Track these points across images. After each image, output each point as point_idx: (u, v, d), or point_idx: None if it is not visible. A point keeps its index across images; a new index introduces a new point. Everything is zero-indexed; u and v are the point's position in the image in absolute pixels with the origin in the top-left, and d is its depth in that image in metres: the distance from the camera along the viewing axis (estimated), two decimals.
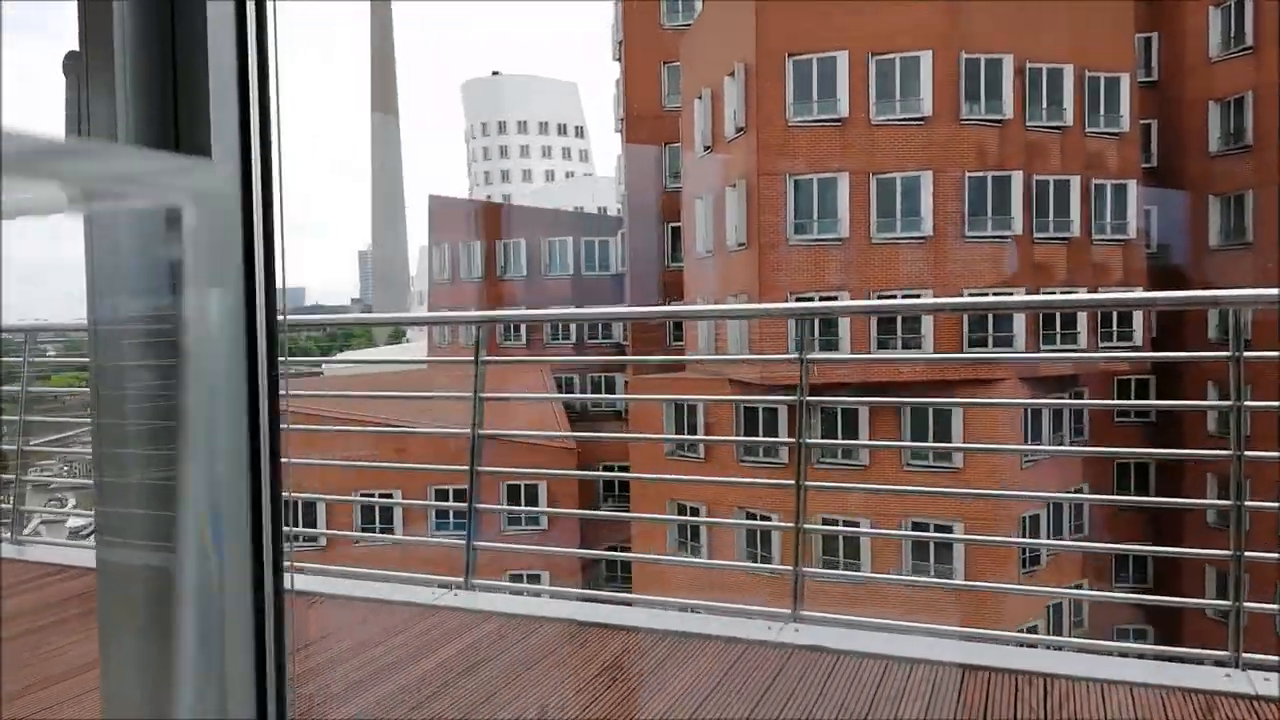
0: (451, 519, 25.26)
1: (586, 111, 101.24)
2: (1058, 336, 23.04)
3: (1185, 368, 26.30)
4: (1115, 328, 24.08)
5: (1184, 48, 27.73)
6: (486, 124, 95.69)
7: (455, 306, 39.76)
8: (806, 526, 2.98)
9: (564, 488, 27.32)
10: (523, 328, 38.22)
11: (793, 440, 3.04)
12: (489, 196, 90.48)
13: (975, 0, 22.00)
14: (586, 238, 38.06)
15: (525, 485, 26.61)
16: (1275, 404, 2.78)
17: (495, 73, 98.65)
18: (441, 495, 25.25)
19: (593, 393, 37.06)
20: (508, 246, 38.39)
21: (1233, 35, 26.50)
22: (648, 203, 32.52)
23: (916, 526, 21.55)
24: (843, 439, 22.79)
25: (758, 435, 22.85)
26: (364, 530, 24.17)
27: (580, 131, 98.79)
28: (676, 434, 24.75)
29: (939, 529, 21.03)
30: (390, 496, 23.45)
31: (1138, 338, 24.31)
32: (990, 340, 22.46)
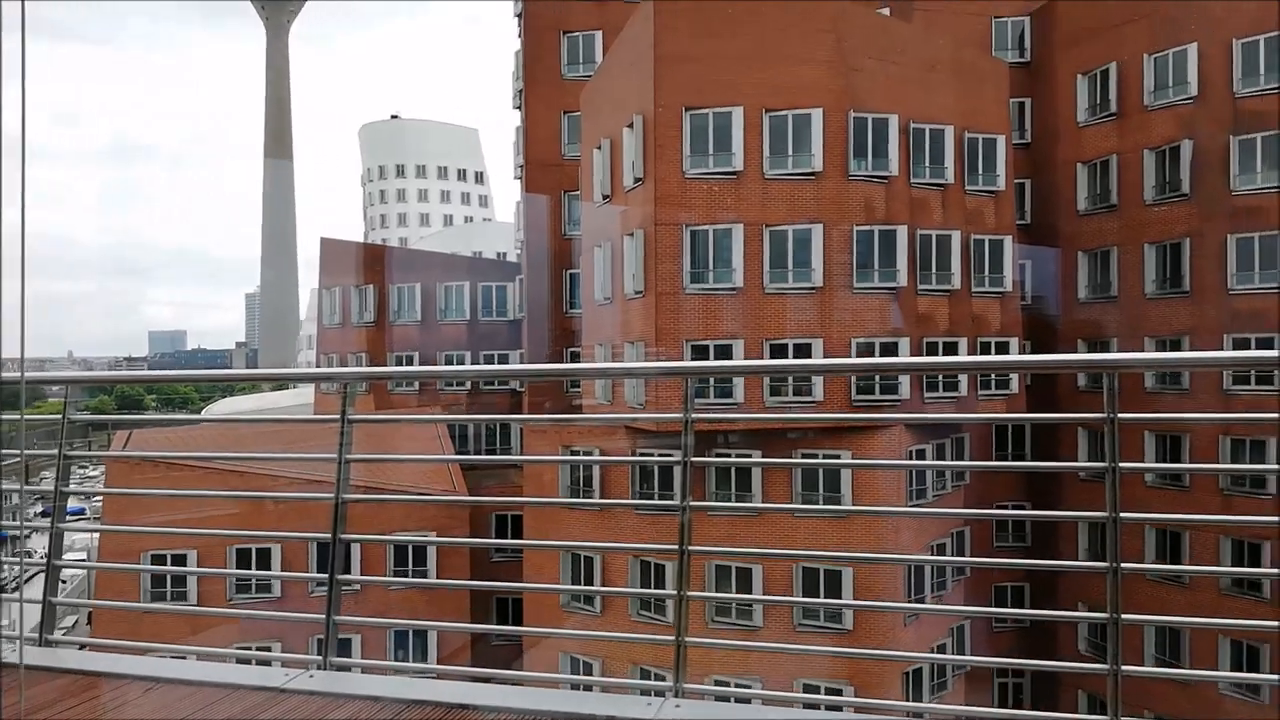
0: (253, 586, 24.07)
1: (488, 157, 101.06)
2: (940, 384, 23.83)
3: (1058, 410, 27.59)
4: (994, 376, 25.12)
5: (1055, 113, 29.58)
6: (384, 167, 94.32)
7: (345, 351, 38.61)
8: (690, 594, 2.84)
9: (454, 537, 26.56)
10: None
11: (676, 505, 2.91)
12: (385, 240, 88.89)
13: (863, 62, 22.94)
14: (484, 283, 37.64)
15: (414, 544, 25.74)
16: (1147, 465, 2.81)
17: (394, 116, 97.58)
18: (242, 555, 23.95)
19: (487, 440, 36.41)
20: (402, 291, 37.60)
21: (1098, 103, 28.42)
22: (546, 249, 32.44)
23: (807, 573, 21.78)
24: (735, 487, 22.94)
25: (653, 485, 22.78)
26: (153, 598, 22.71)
27: (480, 177, 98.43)
28: (570, 485, 24.45)
29: (829, 575, 21.29)
30: (184, 559, 22.34)
31: (1014, 385, 25.39)
32: (877, 388, 23.05)
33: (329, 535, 2.97)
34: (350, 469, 3.01)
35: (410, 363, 37.51)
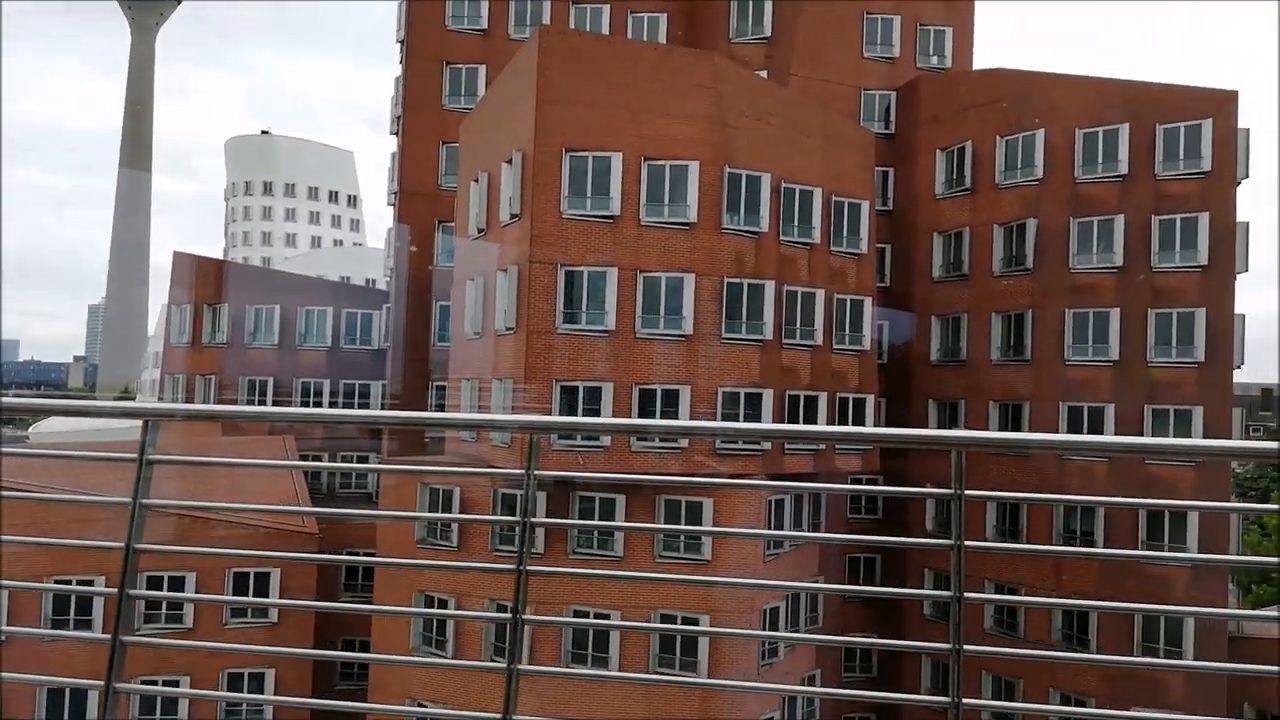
0: (72, 613, 22.24)
1: (362, 181, 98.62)
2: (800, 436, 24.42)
3: (909, 466, 28.79)
4: (851, 427, 25.95)
5: (915, 184, 31.25)
6: (251, 183, 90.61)
7: (192, 372, 36.44)
8: (526, 618, 2.66)
9: (300, 578, 25.22)
10: (268, 399, 35.64)
11: (510, 568, 2.72)
12: (246, 258, 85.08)
13: (740, 121, 23.62)
14: (349, 309, 36.41)
15: (255, 572, 24.32)
16: (990, 544, 2.83)
17: (265, 131, 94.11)
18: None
19: (340, 479, 34.95)
20: (260, 312, 35.93)
21: (954, 177, 30.22)
22: (417, 279, 31.71)
23: (665, 618, 21.71)
24: (598, 532, 22.75)
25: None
26: None
27: (353, 200, 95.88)
28: (427, 526, 23.68)
29: (687, 622, 21.28)
30: None
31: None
32: (740, 438, 23.41)
33: (116, 591, 2.61)
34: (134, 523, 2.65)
35: (263, 386, 35.74)
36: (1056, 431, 27.28)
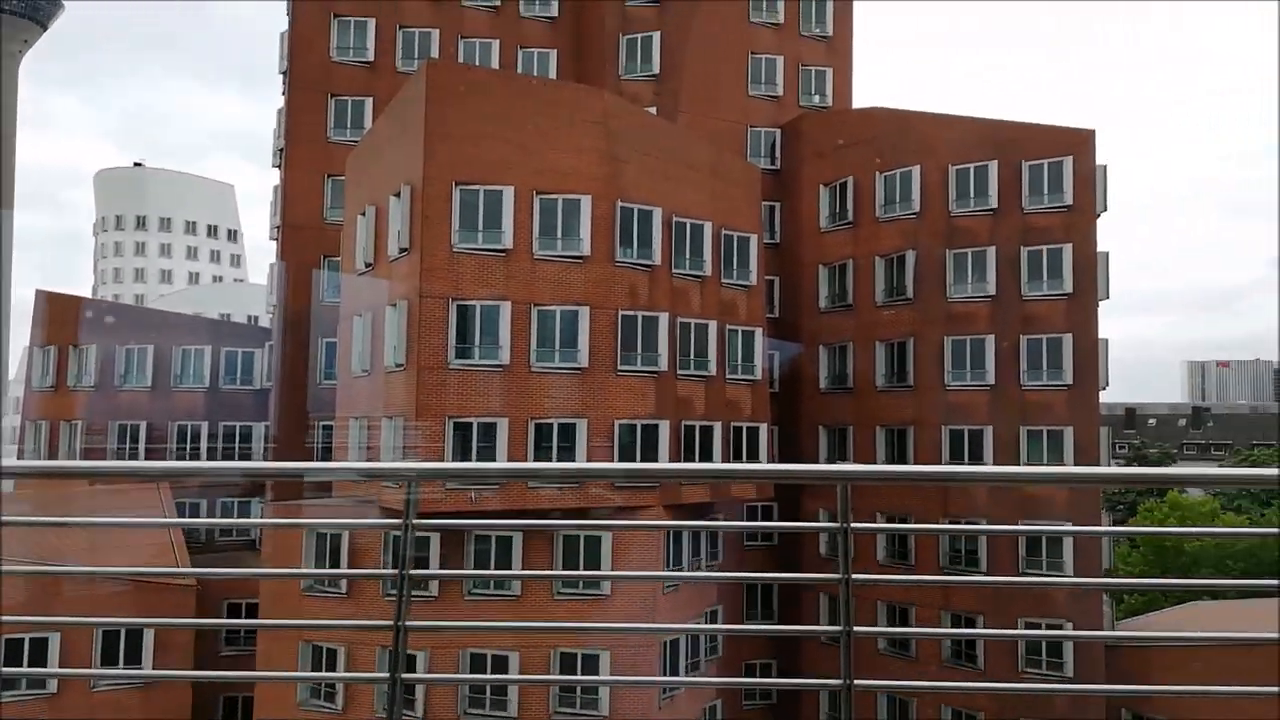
0: None
1: (244, 216, 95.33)
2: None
3: (802, 494, 29.36)
4: (745, 459, 26.32)
5: (801, 218, 32.21)
6: (122, 218, 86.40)
7: (56, 418, 34.25)
8: (404, 677, 2.52)
9: (176, 632, 23.79)
10: (140, 443, 33.78)
11: (388, 624, 2.60)
12: (117, 296, 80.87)
13: (630, 156, 23.90)
14: (228, 348, 34.95)
15: (127, 629, 22.81)
16: (878, 577, 2.86)
17: (138, 164, 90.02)
18: None
19: (224, 516, 33.31)
20: (132, 352, 34.11)
21: (838, 211, 31.29)
22: (302, 316, 30.70)
23: (565, 658, 21.39)
24: (494, 564, 22.31)
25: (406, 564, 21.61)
26: None
27: (234, 235, 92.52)
28: (318, 567, 22.74)
29: (587, 660, 21.02)
30: None
31: (764, 463, 26.74)
32: (633, 478, 23.43)
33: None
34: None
35: (135, 431, 33.85)
36: (940, 455, 28.33)
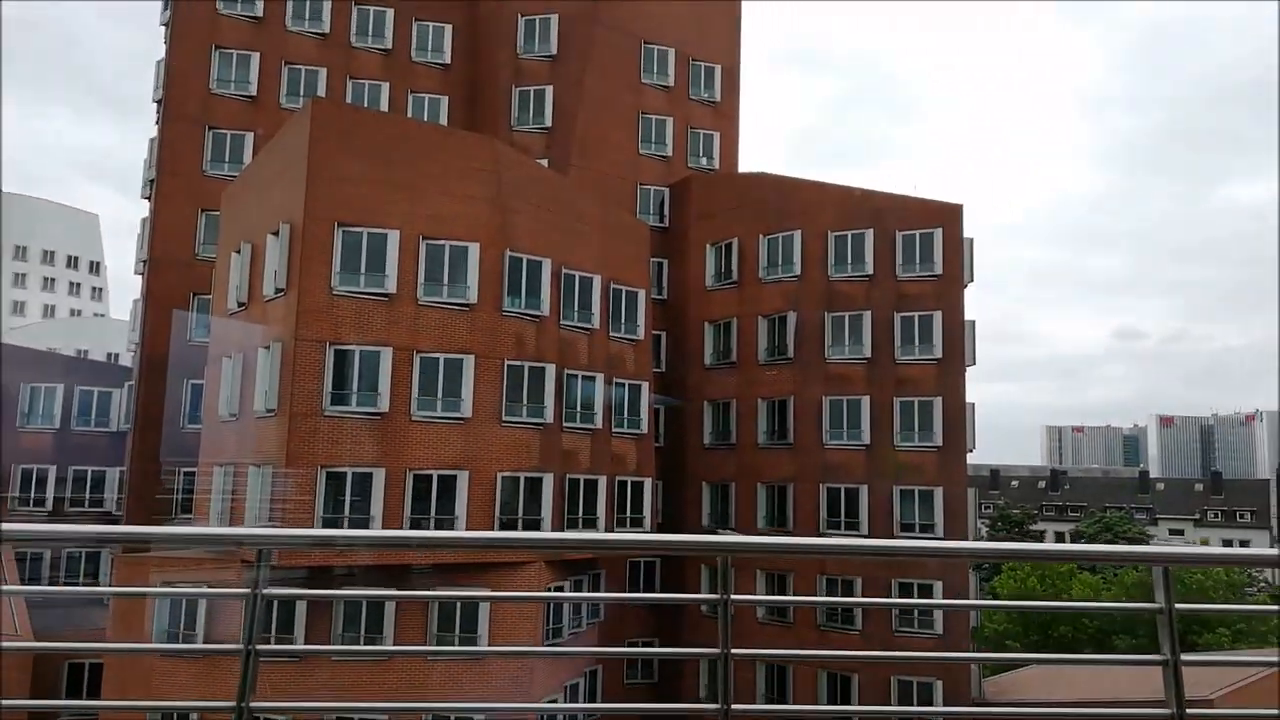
0: None
1: (109, 248, 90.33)
2: (580, 521, 24.33)
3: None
4: (629, 513, 26.17)
5: (688, 275, 32.75)
6: None
7: None
8: None
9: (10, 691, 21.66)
10: None
11: (230, 705, 2.34)
12: None
13: (520, 206, 23.81)
14: (83, 386, 32.76)
15: None
16: (755, 651, 2.77)
17: None
18: None
19: (67, 570, 30.88)
20: None
21: (723, 271, 31.96)
22: (167, 355, 29.06)
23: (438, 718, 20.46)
24: (365, 627, 21.31)
25: (271, 627, 20.40)
26: None
27: (96, 267, 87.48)
28: (169, 629, 21.20)
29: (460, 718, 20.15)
30: None
31: (647, 523, 26.63)
32: (520, 523, 22.95)
33: None
34: None
35: None
36: (819, 512, 28.88)
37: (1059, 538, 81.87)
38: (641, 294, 27.04)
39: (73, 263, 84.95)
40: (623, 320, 26.38)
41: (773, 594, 29.00)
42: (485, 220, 22.91)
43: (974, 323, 29.07)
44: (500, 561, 21.84)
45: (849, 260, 29.73)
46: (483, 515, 22.11)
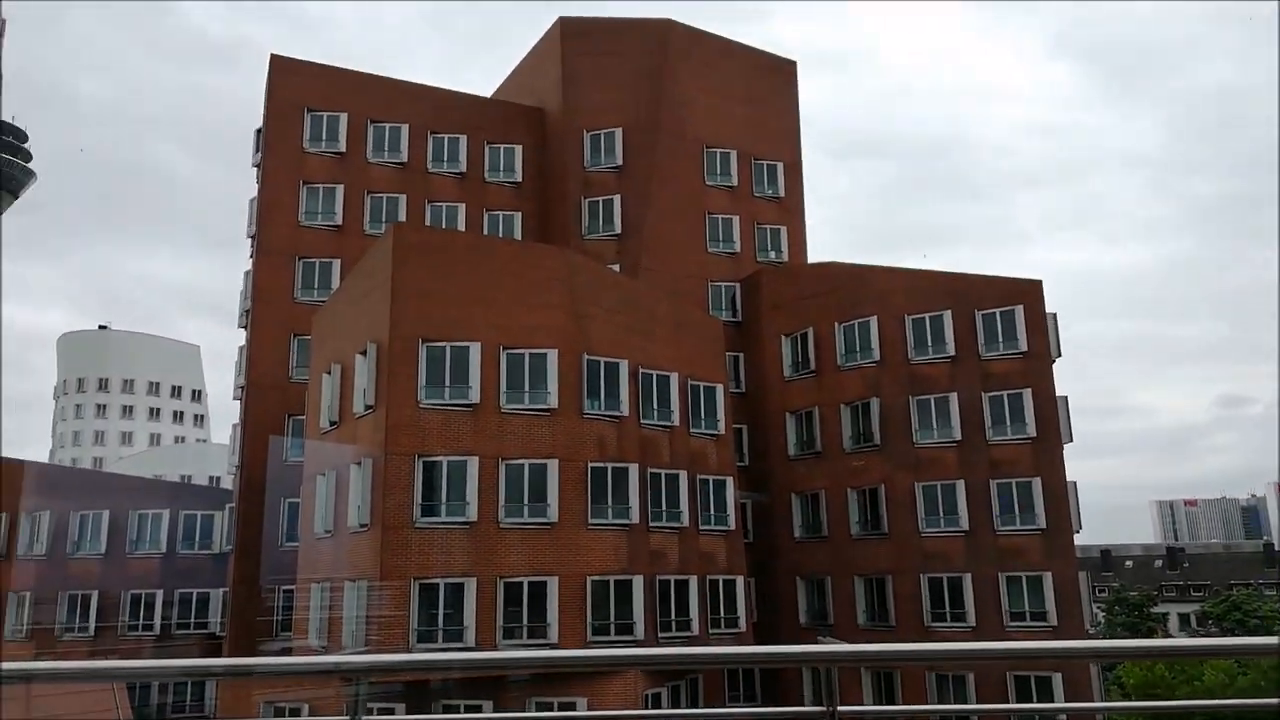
0: None
1: (209, 376, 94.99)
2: (673, 623, 23.85)
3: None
4: (724, 613, 25.55)
5: (764, 367, 32.69)
6: (84, 380, 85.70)
7: (4, 588, 32.67)
8: None
9: None
10: (91, 615, 32.23)
11: None
12: (75, 460, 79.17)
13: (594, 311, 24.31)
14: (187, 510, 34.01)
15: None
16: None
17: (103, 326, 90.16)
18: None
19: (174, 696, 31.47)
20: (86, 518, 33.04)
21: (800, 361, 31.82)
22: (264, 476, 30.07)
23: None
24: None
25: None
26: None
27: (197, 395, 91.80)
28: None
29: None
30: None
31: (742, 623, 25.92)
32: (613, 627, 22.62)
33: None
34: None
35: (86, 602, 32.38)
36: (921, 603, 27.75)
37: (1184, 620, 76.57)
38: (719, 389, 27.03)
39: (176, 392, 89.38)
40: (702, 416, 26.34)
41: (879, 692, 27.69)
42: (561, 327, 23.42)
43: (1066, 399, 28.16)
44: (594, 671, 21.47)
45: (929, 342, 29.32)
46: (574, 620, 21.89)
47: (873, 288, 30.67)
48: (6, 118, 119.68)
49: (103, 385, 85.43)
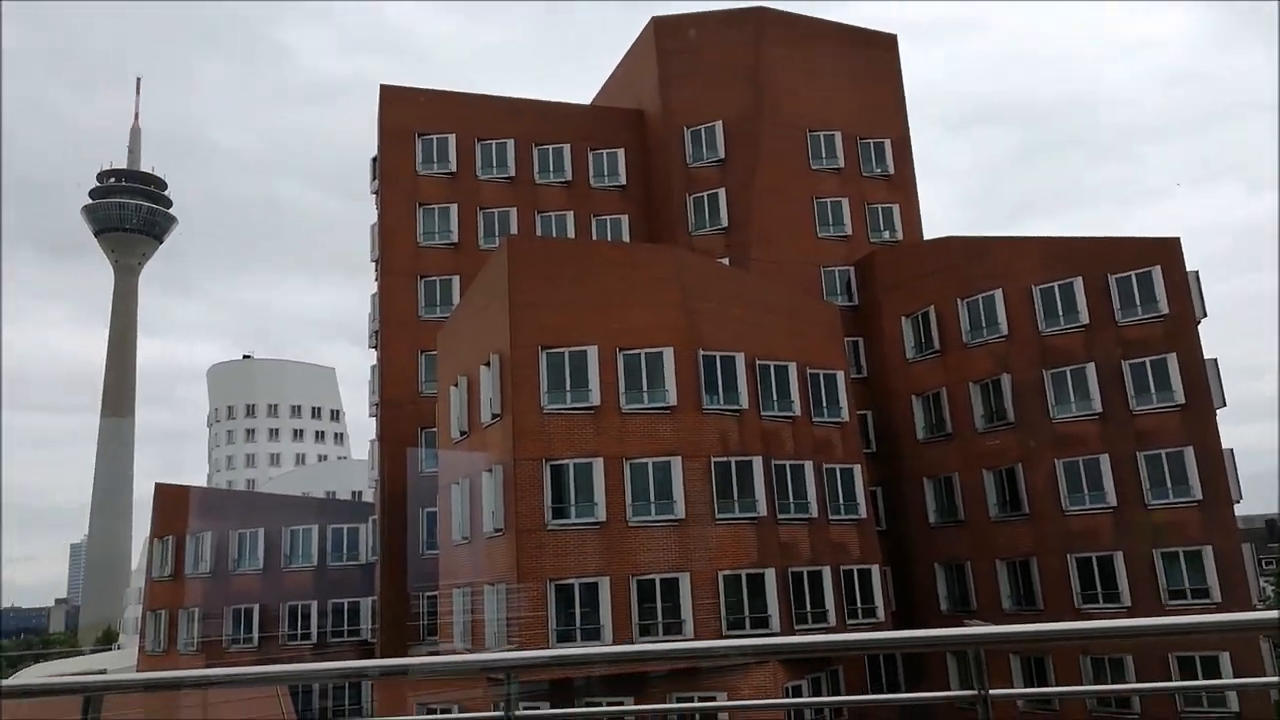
0: None
1: (345, 395, 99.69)
2: (809, 615, 23.59)
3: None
4: (860, 604, 25.06)
5: (885, 350, 31.92)
6: (233, 407, 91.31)
7: (175, 606, 35.18)
8: None
9: None
10: (254, 626, 34.30)
11: None
12: (230, 483, 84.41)
13: (706, 306, 24.28)
14: (334, 525, 35.76)
15: None
16: None
17: (247, 356, 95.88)
18: None
19: (334, 700, 33.18)
20: (244, 537, 35.20)
21: (923, 341, 30.91)
22: (404, 488, 31.37)
23: None
24: None
25: None
26: None
27: (336, 415, 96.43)
28: None
29: None
30: None
31: (880, 613, 25.36)
32: (748, 621, 22.54)
33: None
34: None
35: (249, 615, 34.49)
36: (1070, 585, 26.55)
37: None
38: (840, 375, 26.55)
39: (316, 413, 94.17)
40: (824, 404, 25.93)
41: (1030, 679, 26.66)
42: (675, 324, 23.51)
43: (1215, 361, 26.38)
44: (733, 665, 21.45)
45: (1060, 312, 28.00)
46: (709, 615, 21.93)
47: (995, 260, 29.51)
48: (146, 168, 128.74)
49: (250, 411, 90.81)
